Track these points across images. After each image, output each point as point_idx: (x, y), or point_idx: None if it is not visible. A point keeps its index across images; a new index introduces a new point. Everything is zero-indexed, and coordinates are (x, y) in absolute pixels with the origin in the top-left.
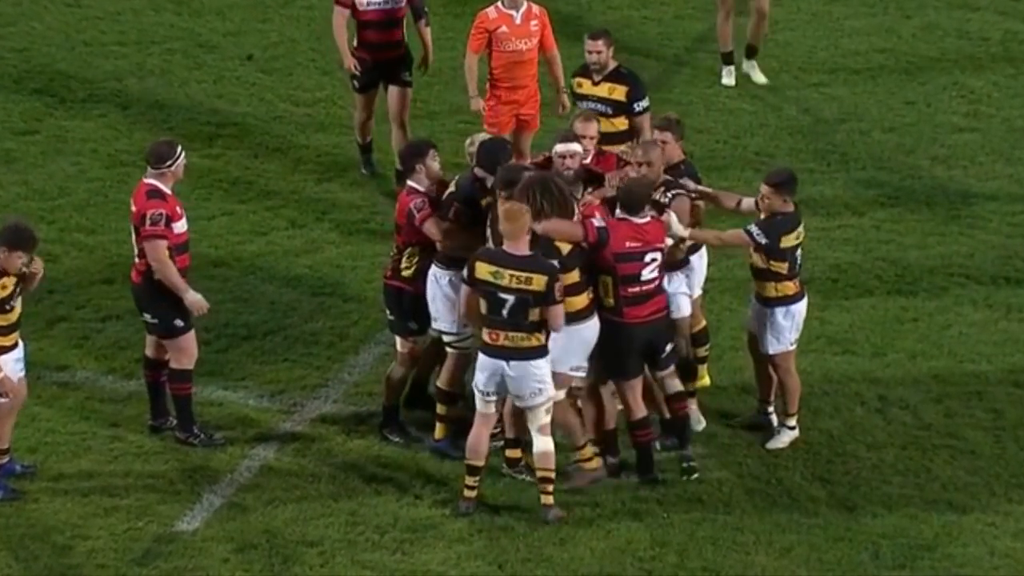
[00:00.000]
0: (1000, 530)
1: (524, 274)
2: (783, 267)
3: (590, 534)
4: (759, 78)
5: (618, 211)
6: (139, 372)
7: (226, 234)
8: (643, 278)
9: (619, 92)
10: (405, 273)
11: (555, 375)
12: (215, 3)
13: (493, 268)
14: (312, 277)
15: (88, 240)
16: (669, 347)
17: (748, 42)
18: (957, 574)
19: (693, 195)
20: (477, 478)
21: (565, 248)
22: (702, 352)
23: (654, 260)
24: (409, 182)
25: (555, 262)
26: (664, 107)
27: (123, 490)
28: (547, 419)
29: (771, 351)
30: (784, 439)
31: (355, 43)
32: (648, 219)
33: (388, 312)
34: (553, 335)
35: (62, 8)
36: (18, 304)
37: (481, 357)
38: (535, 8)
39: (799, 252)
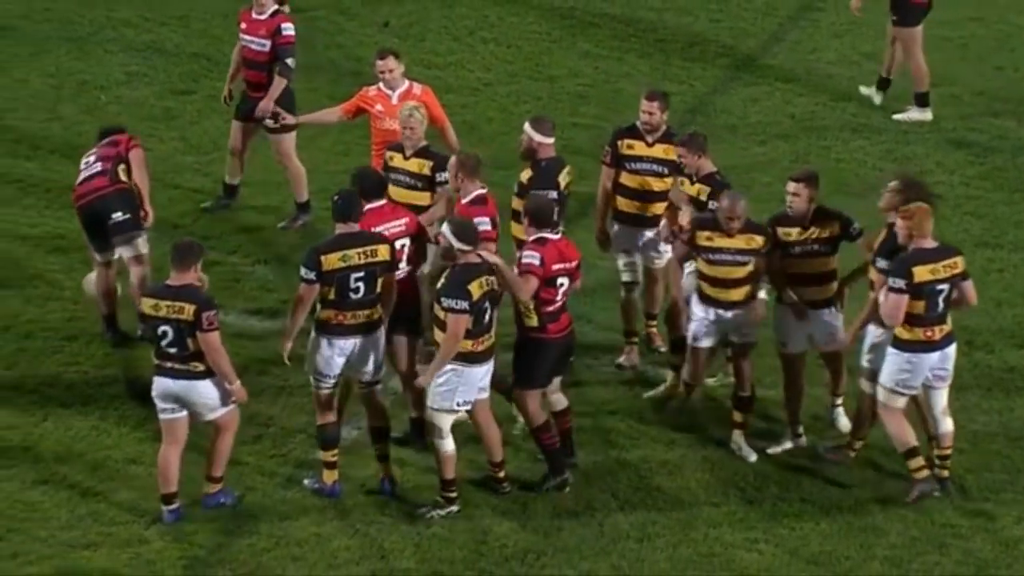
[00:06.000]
0: None
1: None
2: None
3: (696, 464)
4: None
5: (535, 230)
6: (282, 312)
7: None
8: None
9: (671, 152)
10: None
11: None
12: None
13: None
14: None
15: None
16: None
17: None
18: None
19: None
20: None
21: None
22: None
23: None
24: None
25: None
26: (768, 72)
27: (269, 419)
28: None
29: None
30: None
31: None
32: (560, 235)
33: None
34: None
35: None
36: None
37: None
38: (416, 89)
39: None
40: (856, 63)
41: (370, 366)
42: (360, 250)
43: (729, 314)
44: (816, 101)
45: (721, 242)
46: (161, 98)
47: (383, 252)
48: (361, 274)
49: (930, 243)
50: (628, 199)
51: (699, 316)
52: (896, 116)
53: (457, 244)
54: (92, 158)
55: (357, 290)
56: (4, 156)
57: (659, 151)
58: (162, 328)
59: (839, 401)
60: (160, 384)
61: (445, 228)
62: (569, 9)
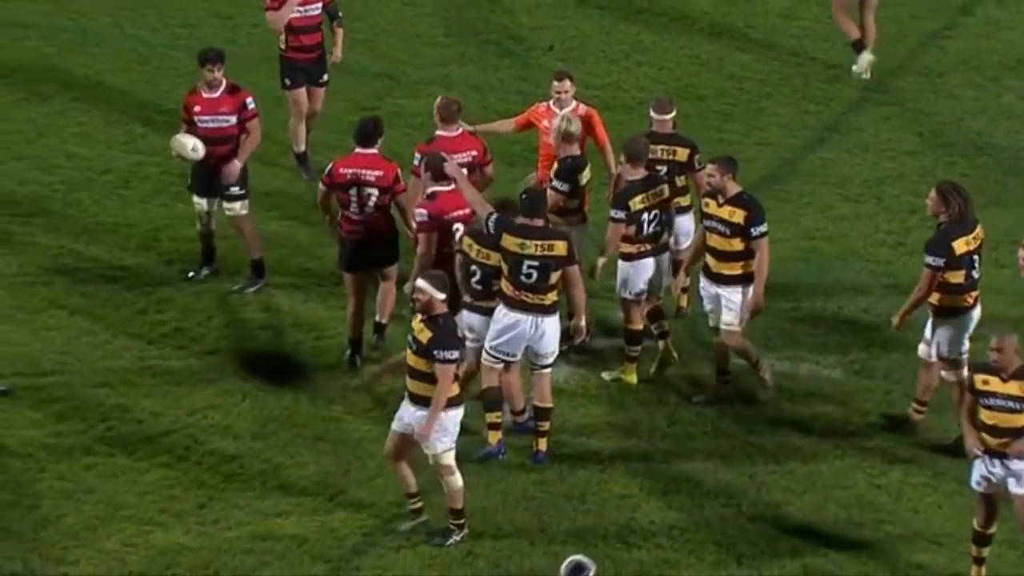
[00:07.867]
0: None
1: None
2: None
3: (828, 450)
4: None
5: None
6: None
7: None
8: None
9: (738, 216)
10: None
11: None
12: (523, 2)
13: None
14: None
15: None
16: None
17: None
18: None
19: None
20: None
21: None
22: (632, 351)
23: None
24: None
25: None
26: (899, 93)
27: None
28: None
29: None
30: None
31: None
32: (451, 187)
33: None
34: None
35: (400, 6)
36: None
37: None
38: (581, 109)
39: None
40: (980, 85)
41: (540, 348)
42: (538, 242)
43: (1013, 466)
44: (942, 121)
45: (996, 387)
46: (349, 113)
47: (560, 248)
48: (536, 263)
49: None
50: (708, 254)
51: (976, 464)
52: (855, 70)
53: (441, 295)
54: None
55: (529, 275)
56: None
57: (725, 212)
58: (473, 267)
59: None
60: (464, 318)
61: (426, 284)
62: (716, 35)
